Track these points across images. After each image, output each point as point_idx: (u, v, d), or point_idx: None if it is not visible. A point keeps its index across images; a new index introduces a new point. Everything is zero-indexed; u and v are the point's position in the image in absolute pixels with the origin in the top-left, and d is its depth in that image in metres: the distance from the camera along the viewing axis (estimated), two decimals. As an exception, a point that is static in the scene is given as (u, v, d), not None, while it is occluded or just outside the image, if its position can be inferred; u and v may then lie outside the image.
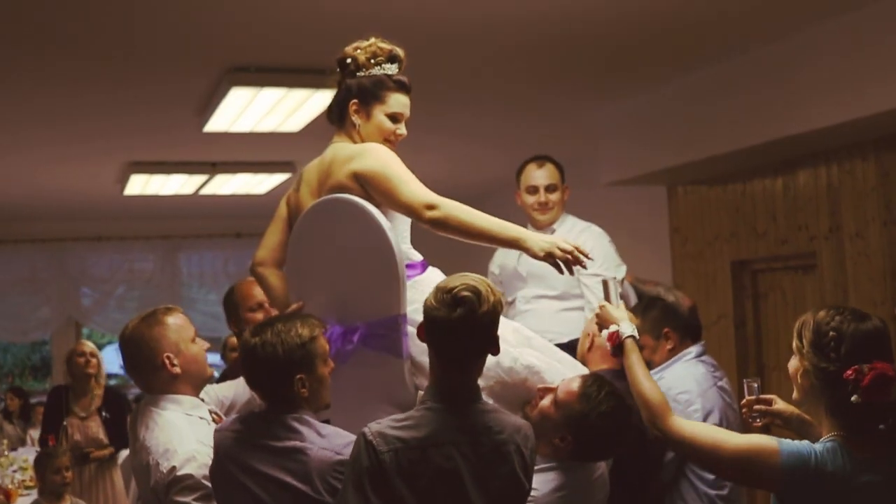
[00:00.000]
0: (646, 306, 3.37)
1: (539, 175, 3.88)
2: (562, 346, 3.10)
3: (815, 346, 2.14)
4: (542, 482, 2.43)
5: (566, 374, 2.67)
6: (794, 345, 2.21)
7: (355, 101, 2.75)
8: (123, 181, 6.91)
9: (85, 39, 3.80)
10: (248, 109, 4.75)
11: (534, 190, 3.87)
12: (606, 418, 2.44)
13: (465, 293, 2.18)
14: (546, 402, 2.52)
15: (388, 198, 2.58)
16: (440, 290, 2.22)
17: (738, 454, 2.16)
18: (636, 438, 2.61)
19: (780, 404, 2.56)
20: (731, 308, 5.51)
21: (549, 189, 3.86)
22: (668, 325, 3.32)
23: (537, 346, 2.73)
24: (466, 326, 2.19)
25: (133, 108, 4.94)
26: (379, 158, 2.62)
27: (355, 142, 2.75)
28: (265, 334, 2.34)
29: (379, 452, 2.12)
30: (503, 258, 4.04)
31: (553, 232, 3.87)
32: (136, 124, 5.33)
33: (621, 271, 3.80)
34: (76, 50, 3.92)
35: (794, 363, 2.23)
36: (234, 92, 4.41)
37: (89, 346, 6.06)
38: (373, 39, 2.77)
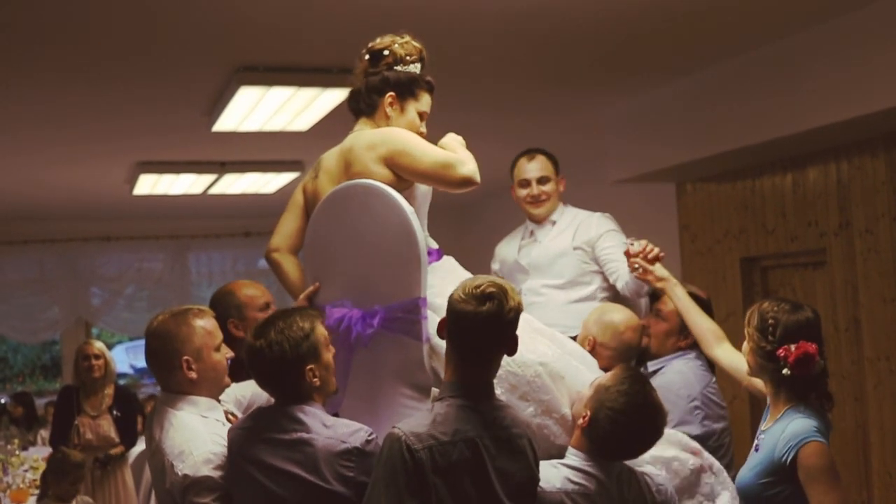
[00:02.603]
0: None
1: (530, 168, 3.85)
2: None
3: (759, 329, 2.69)
4: (558, 477, 2.44)
5: (577, 365, 2.70)
6: (745, 330, 2.74)
7: (392, 93, 2.79)
8: (132, 181, 6.93)
9: (93, 40, 3.81)
10: (256, 109, 4.76)
11: (525, 183, 3.84)
12: (623, 396, 2.46)
13: (493, 289, 2.27)
14: (588, 388, 2.58)
15: (414, 171, 2.65)
16: (468, 286, 2.29)
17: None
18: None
19: (658, 267, 3.29)
20: (741, 305, 5.49)
21: (541, 181, 3.82)
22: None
23: (548, 336, 2.76)
24: (492, 322, 2.26)
25: (142, 107, 4.95)
26: (399, 137, 2.69)
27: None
28: (269, 335, 2.37)
29: (415, 451, 2.16)
30: (503, 253, 4.02)
31: (554, 224, 3.85)
32: (144, 124, 5.35)
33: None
34: (84, 50, 3.93)
35: (745, 344, 2.76)
36: (242, 91, 4.41)
37: (95, 347, 5.99)
38: (407, 37, 2.84)
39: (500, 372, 2.51)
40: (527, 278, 3.83)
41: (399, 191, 2.63)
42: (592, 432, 2.48)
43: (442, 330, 2.33)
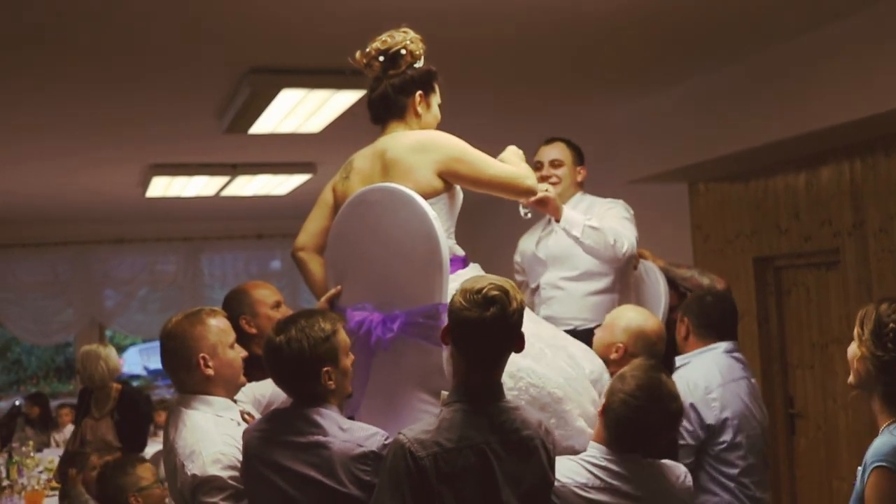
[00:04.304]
0: (689, 294, 3.57)
1: (545, 151, 3.86)
2: (589, 332, 3.13)
3: (875, 334, 2.26)
4: (576, 471, 2.43)
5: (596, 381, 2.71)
6: (855, 332, 2.34)
7: (421, 92, 2.80)
8: (145, 183, 6.95)
9: (105, 43, 3.82)
10: (268, 110, 4.76)
11: (539, 165, 3.84)
12: (635, 380, 2.47)
13: (496, 292, 2.23)
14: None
15: (475, 179, 2.70)
16: (468, 291, 2.25)
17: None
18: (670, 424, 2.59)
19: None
20: (755, 305, 5.49)
21: (554, 164, 3.80)
22: (687, 315, 3.42)
23: (568, 353, 2.75)
24: (498, 325, 2.22)
25: (154, 110, 4.97)
26: (451, 143, 2.71)
27: (413, 129, 2.80)
28: (289, 332, 2.37)
29: (418, 458, 2.15)
30: (524, 245, 4.01)
31: None
32: (157, 127, 5.36)
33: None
34: (97, 54, 3.95)
35: (853, 349, 2.35)
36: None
37: (81, 351, 5.96)
38: (410, 31, 2.82)
39: (520, 384, 2.50)
40: (545, 270, 3.82)
41: (438, 194, 2.64)
42: (607, 418, 2.48)
43: (446, 336, 2.31)
